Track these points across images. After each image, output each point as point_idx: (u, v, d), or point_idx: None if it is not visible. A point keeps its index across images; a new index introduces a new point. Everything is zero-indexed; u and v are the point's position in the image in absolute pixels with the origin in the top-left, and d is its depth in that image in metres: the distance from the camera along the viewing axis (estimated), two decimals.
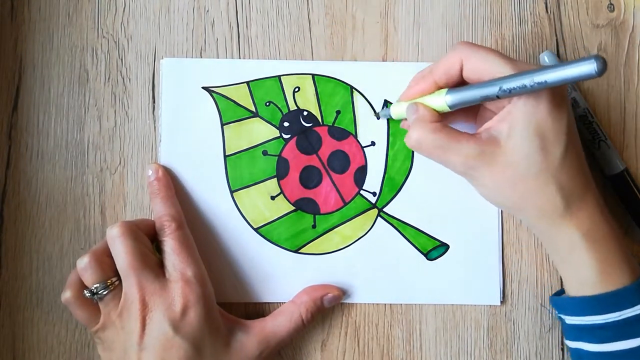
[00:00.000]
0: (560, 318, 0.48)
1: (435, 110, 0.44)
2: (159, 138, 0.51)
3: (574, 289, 0.45)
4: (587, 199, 0.43)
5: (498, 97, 0.41)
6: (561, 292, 0.48)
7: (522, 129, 0.41)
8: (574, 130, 0.43)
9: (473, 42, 0.51)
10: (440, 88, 0.45)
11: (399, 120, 0.51)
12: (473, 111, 0.48)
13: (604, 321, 0.43)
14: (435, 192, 0.51)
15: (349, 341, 0.51)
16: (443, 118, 0.45)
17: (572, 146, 0.42)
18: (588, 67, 0.36)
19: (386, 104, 0.51)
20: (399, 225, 0.51)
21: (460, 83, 0.44)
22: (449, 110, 0.44)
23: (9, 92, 0.51)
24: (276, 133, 0.51)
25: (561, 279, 0.51)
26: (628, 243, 0.51)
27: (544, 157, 0.42)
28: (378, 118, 0.51)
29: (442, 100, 0.44)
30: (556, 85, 0.38)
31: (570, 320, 0.46)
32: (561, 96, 0.42)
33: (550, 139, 0.41)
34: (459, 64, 0.43)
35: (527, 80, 0.39)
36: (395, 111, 0.48)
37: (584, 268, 0.43)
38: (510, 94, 0.40)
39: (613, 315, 0.43)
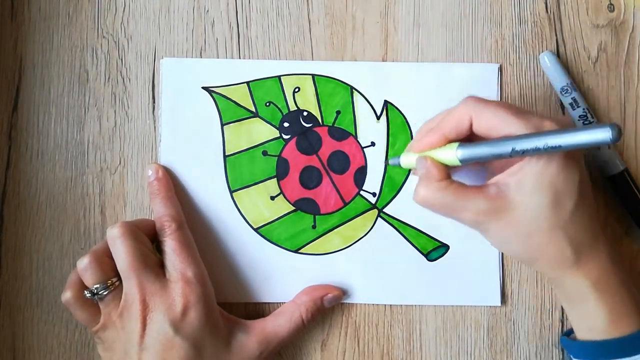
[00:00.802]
0: (570, 358, 0.48)
1: (444, 164, 0.44)
2: (159, 138, 0.51)
3: (583, 334, 0.45)
4: (597, 248, 0.43)
5: (510, 156, 0.40)
6: (570, 331, 0.48)
7: (533, 185, 0.41)
8: (586, 182, 0.43)
9: (473, 43, 0.52)
10: (449, 141, 0.44)
11: (399, 121, 0.51)
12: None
13: None
14: None
15: (349, 341, 0.51)
16: (451, 173, 0.44)
17: (583, 199, 0.42)
18: (604, 135, 0.36)
19: (386, 104, 0.51)
20: (399, 226, 0.51)
21: (469, 136, 0.44)
22: (460, 164, 0.43)
23: (9, 92, 0.51)
24: (276, 133, 0.51)
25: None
26: (623, 246, 0.51)
27: (555, 212, 0.41)
28: (387, 165, 0.51)
29: (454, 155, 0.43)
30: (570, 149, 0.38)
31: None
32: (574, 151, 0.41)
33: (561, 195, 0.41)
34: (468, 119, 0.43)
35: (540, 143, 0.38)
36: (405, 161, 0.47)
37: (594, 315, 0.43)
38: (523, 154, 0.39)
39: None
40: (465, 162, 0.43)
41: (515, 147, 0.39)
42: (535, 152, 0.39)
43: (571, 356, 0.47)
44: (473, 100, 0.43)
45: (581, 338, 0.45)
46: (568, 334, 0.48)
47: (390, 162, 0.49)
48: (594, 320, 0.43)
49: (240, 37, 0.52)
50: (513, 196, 0.41)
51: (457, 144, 0.43)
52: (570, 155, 0.41)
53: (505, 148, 0.40)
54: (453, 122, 0.43)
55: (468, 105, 0.43)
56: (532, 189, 0.41)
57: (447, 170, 0.44)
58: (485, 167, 0.48)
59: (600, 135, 0.36)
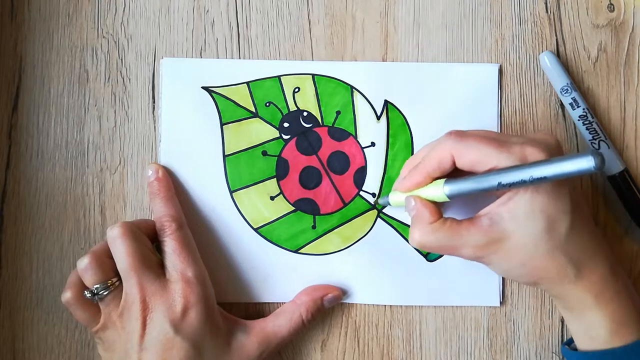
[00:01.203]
0: None
1: (433, 202, 0.44)
2: (159, 138, 0.51)
3: (584, 344, 0.45)
4: (597, 261, 0.43)
5: (497, 189, 0.40)
6: (570, 340, 0.48)
7: (525, 214, 0.41)
8: (578, 197, 0.43)
9: (473, 43, 0.52)
10: (434, 179, 0.44)
11: (399, 121, 0.51)
12: None
13: None
14: None
15: (349, 341, 0.51)
16: (445, 205, 0.44)
17: (578, 218, 0.42)
18: (587, 164, 0.36)
19: (386, 104, 0.51)
20: (399, 226, 0.51)
21: (454, 171, 0.44)
22: (448, 200, 0.43)
23: (9, 92, 0.51)
24: (276, 133, 0.51)
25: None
26: (623, 246, 0.51)
27: (550, 236, 0.41)
28: (376, 205, 0.51)
29: (441, 192, 0.43)
30: (555, 180, 0.38)
31: None
32: None
33: (554, 219, 0.41)
34: (450, 158, 0.43)
35: (526, 176, 0.39)
36: (394, 200, 0.48)
37: (596, 326, 0.43)
38: (510, 187, 0.40)
39: None
40: (453, 198, 0.43)
41: (502, 181, 0.40)
42: (522, 184, 0.39)
43: None
44: (452, 137, 0.43)
45: (582, 348, 0.45)
46: (568, 343, 0.48)
47: (380, 201, 0.50)
48: (596, 330, 0.43)
49: (240, 37, 0.52)
50: (506, 226, 0.42)
51: (443, 180, 0.43)
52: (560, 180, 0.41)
53: (492, 182, 0.40)
54: (435, 161, 0.43)
55: (448, 144, 0.43)
56: (524, 217, 0.41)
57: (439, 209, 0.44)
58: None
59: (584, 164, 0.36)
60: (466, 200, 0.49)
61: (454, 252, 0.43)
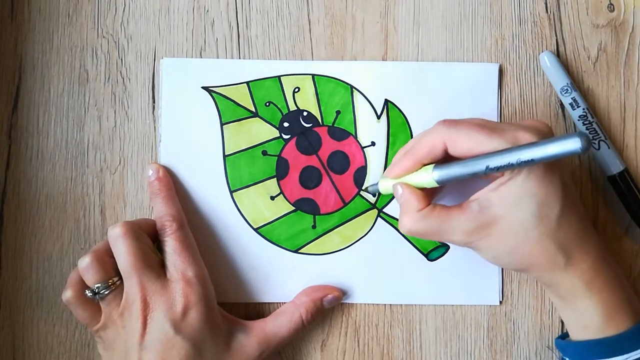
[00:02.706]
0: None
1: (422, 190, 0.44)
2: (159, 138, 0.51)
3: (577, 333, 0.45)
4: (587, 248, 0.43)
5: (486, 174, 0.40)
6: (565, 334, 0.48)
7: (515, 199, 0.41)
8: (568, 184, 0.43)
9: (473, 43, 0.52)
10: (424, 165, 0.44)
11: (400, 121, 0.51)
12: None
13: None
14: None
15: (349, 341, 0.51)
16: (431, 197, 0.44)
17: (568, 204, 0.42)
18: (573, 145, 0.36)
19: (386, 104, 0.51)
20: None
21: (445, 158, 0.44)
22: (437, 186, 0.43)
23: (9, 92, 0.51)
24: (276, 133, 0.51)
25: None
26: (623, 246, 0.51)
27: (541, 221, 0.41)
28: (366, 191, 0.51)
29: (430, 177, 0.43)
30: (542, 161, 0.38)
31: None
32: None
33: (545, 205, 0.41)
34: (442, 145, 0.43)
35: (513, 159, 0.39)
36: (383, 187, 0.47)
37: (588, 314, 0.43)
38: (498, 171, 0.40)
39: (620, 358, 0.43)
40: (443, 183, 0.43)
41: (489, 164, 0.40)
42: (509, 167, 0.39)
43: (564, 357, 0.46)
44: (444, 125, 0.43)
45: (576, 338, 0.45)
46: (563, 337, 0.48)
47: (370, 189, 0.50)
48: (588, 319, 0.43)
49: (240, 37, 0.52)
50: (496, 211, 0.42)
51: (432, 166, 0.43)
52: (550, 164, 0.41)
53: (480, 166, 0.40)
54: (426, 148, 0.43)
55: (441, 132, 0.43)
56: (514, 203, 0.41)
57: (428, 195, 0.44)
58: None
59: (570, 145, 0.36)
60: (458, 188, 0.49)
61: (444, 238, 0.43)
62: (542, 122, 0.43)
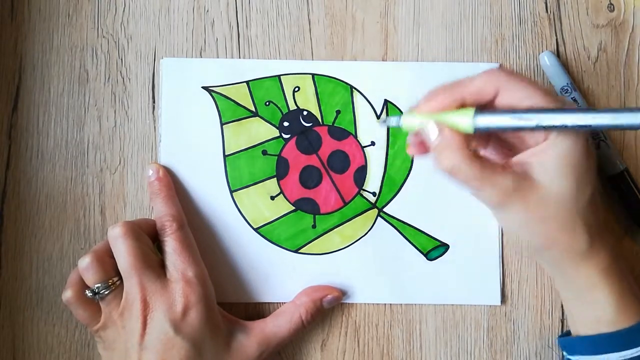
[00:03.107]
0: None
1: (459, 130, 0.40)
2: (159, 138, 0.51)
3: (587, 328, 0.44)
4: (605, 237, 0.43)
5: (533, 130, 0.39)
6: (567, 333, 0.47)
7: (557, 167, 0.40)
8: (596, 171, 0.43)
9: (473, 43, 0.52)
10: (463, 106, 0.41)
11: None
12: (484, 139, 0.45)
13: (621, 358, 0.42)
14: (435, 192, 0.51)
15: (349, 341, 0.51)
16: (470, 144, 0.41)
17: (596, 187, 0.42)
18: (637, 119, 0.35)
19: (386, 104, 0.51)
20: (399, 225, 0.51)
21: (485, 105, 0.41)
22: (472, 133, 0.40)
23: (9, 92, 0.51)
24: (276, 133, 0.51)
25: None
26: (623, 246, 0.51)
27: (576, 196, 0.40)
28: (380, 120, 0.50)
29: (469, 122, 0.39)
30: (598, 130, 0.38)
31: None
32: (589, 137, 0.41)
33: (582, 180, 0.40)
34: (493, 90, 0.40)
35: (569, 120, 0.37)
36: (407, 123, 0.42)
37: (602, 305, 0.43)
38: (546, 129, 0.38)
39: (631, 351, 0.42)
40: (481, 131, 0.40)
41: (541, 122, 0.38)
42: (562, 129, 0.37)
43: (569, 356, 0.46)
44: (504, 73, 0.40)
45: (585, 333, 0.44)
46: (565, 336, 0.47)
47: (389, 122, 0.44)
48: (602, 310, 0.43)
49: (240, 37, 0.52)
50: (537, 177, 0.40)
51: (473, 109, 0.40)
52: (588, 146, 0.40)
53: (530, 121, 0.38)
54: (475, 88, 0.41)
55: (496, 77, 0.40)
56: (555, 171, 0.40)
57: (467, 141, 0.40)
58: (490, 150, 0.45)
59: (634, 119, 0.35)
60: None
61: (479, 189, 0.40)
62: None
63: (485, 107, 0.41)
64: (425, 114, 0.41)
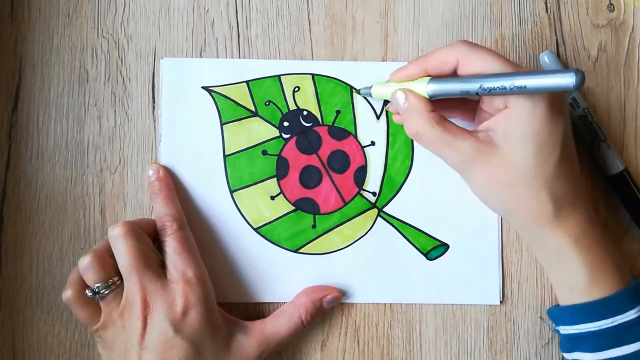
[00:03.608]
0: (556, 331, 0.48)
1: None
2: (159, 138, 0.51)
3: (565, 297, 0.45)
4: (577, 205, 0.43)
5: (477, 94, 0.41)
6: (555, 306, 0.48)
7: (518, 133, 0.41)
8: (569, 136, 0.43)
9: (473, 41, 0.52)
10: (428, 75, 0.45)
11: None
12: (471, 110, 0.48)
13: (597, 328, 0.43)
14: (435, 191, 0.51)
15: (349, 341, 0.51)
16: (437, 108, 0.44)
17: (567, 153, 0.43)
18: (567, 80, 0.37)
19: (386, 104, 0.51)
20: (399, 225, 0.51)
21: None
22: (429, 99, 0.44)
23: (9, 92, 0.51)
24: (276, 133, 0.51)
25: None
26: (623, 246, 0.51)
27: (539, 163, 0.42)
28: (359, 93, 0.51)
29: (424, 88, 0.44)
30: (535, 92, 0.39)
31: (565, 330, 0.46)
32: (559, 103, 0.42)
33: (546, 145, 0.41)
34: (454, 61, 0.43)
35: (507, 83, 0.39)
36: (377, 91, 0.48)
37: (574, 274, 0.44)
38: (490, 93, 0.40)
39: (606, 322, 0.43)
40: (435, 97, 0.43)
41: (483, 84, 0.40)
42: (502, 91, 0.40)
43: (556, 327, 0.47)
44: (463, 43, 0.43)
45: (564, 303, 0.45)
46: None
47: (361, 91, 0.50)
48: (574, 279, 0.44)
49: (240, 37, 0.52)
50: (499, 143, 0.42)
51: (428, 78, 0.44)
52: (556, 109, 0.41)
53: (474, 85, 0.41)
54: (438, 59, 0.44)
55: (458, 48, 0.43)
56: (518, 137, 0.41)
57: (433, 104, 0.44)
58: (474, 119, 0.48)
59: (565, 80, 0.37)
60: (464, 122, 0.48)
61: (444, 152, 0.43)
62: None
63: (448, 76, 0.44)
64: (393, 83, 0.46)
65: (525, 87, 0.38)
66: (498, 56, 0.42)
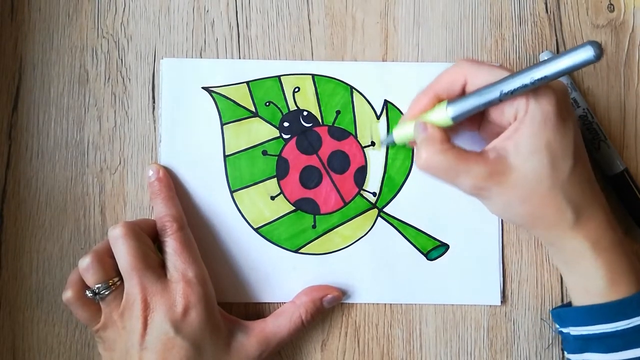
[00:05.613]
0: (560, 332, 0.47)
1: (441, 127, 0.43)
2: (159, 138, 0.51)
3: (580, 299, 0.45)
4: (595, 208, 0.43)
5: (500, 100, 0.40)
6: (564, 306, 0.48)
7: (530, 146, 0.41)
8: (580, 140, 0.43)
9: (473, 43, 0.52)
10: (441, 101, 0.44)
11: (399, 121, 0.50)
12: (476, 122, 0.47)
13: (613, 329, 0.43)
14: (435, 192, 0.51)
15: (349, 341, 0.51)
16: (452, 137, 0.44)
17: (580, 158, 0.42)
18: (586, 54, 0.36)
19: (386, 104, 0.51)
20: (399, 225, 0.51)
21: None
22: (452, 123, 0.43)
23: (9, 92, 0.51)
24: (276, 133, 0.51)
25: (562, 279, 0.51)
26: (630, 244, 0.51)
27: (553, 172, 0.41)
28: (379, 148, 0.51)
29: (444, 114, 0.42)
30: (557, 77, 0.38)
31: (577, 331, 0.45)
32: (567, 110, 0.42)
33: (558, 154, 0.41)
34: (462, 79, 0.43)
35: (526, 79, 0.39)
36: (398, 134, 0.47)
37: (593, 277, 0.43)
38: (513, 95, 0.40)
39: (622, 323, 0.43)
40: (458, 119, 0.42)
41: (503, 89, 0.40)
42: (524, 89, 0.39)
43: (561, 329, 0.47)
44: (467, 61, 0.43)
45: (577, 304, 0.45)
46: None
47: (384, 141, 0.50)
48: (592, 281, 0.43)
49: (240, 37, 0.52)
50: (511, 159, 0.42)
51: (445, 102, 0.43)
52: (564, 115, 0.41)
53: (494, 93, 0.40)
54: (446, 81, 0.44)
55: (463, 66, 0.43)
56: (529, 151, 0.41)
57: (448, 134, 0.43)
58: (480, 130, 0.47)
59: (584, 54, 0.36)
60: (473, 138, 0.48)
61: (456, 180, 0.43)
62: (559, 81, 0.43)
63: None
64: (409, 121, 0.45)
65: (546, 77, 0.38)
66: (501, 67, 0.42)
